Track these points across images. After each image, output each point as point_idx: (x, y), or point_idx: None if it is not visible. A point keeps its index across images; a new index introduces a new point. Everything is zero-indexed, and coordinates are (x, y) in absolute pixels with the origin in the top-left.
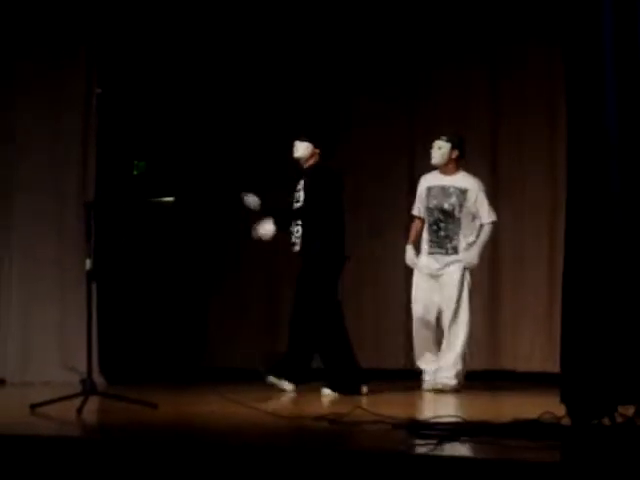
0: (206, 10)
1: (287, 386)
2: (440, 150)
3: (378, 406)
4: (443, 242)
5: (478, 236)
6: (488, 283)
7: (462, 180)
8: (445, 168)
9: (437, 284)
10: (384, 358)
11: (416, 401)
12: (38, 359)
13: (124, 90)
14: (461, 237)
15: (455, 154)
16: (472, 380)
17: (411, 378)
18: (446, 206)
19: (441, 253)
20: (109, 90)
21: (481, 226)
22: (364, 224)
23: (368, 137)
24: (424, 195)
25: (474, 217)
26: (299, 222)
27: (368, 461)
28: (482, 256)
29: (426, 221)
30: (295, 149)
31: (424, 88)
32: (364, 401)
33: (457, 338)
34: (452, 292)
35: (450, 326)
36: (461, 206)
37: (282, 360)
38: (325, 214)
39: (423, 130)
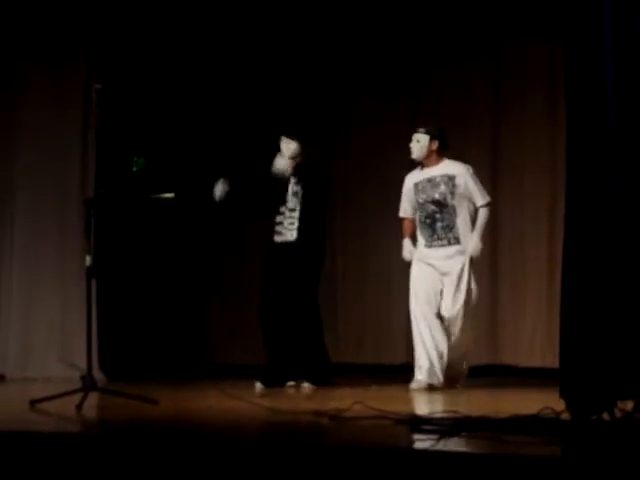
0: (206, 7)
1: (258, 385)
2: (419, 143)
3: (379, 402)
4: (443, 233)
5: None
6: (488, 279)
7: (447, 167)
8: (427, 161)
9: (439, 276)
10: (384, 354)
11: (416, 396)
12: (38, 355)
13: (124, 86)
14: (460, 225)
15: (435, 145)
16: (473, 375)
17: (411, 374)
18: (437, 196)
19: (443, 245)
20: (109, 86)
21: (476, 211)
22: (365, 222)
23: (369, 136)
24: (412, 193)
25: (469, 201)
26: (292, 215)
27: (369, 457)
28: (482, 253)
29: (418, 219)
30: (286, 149)
31: (425, 87)
32: (364, 396)
33: (465, 333)
34: (459, 285)
35: (457, 320)
36: (452, 193)
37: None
38: (322, 216)
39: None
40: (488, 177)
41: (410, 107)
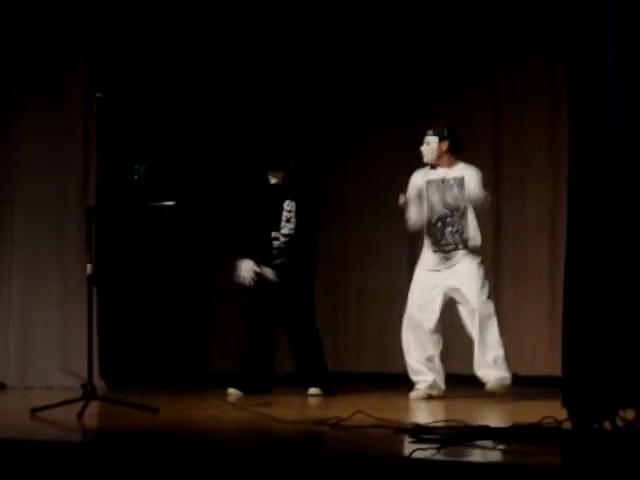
0: (208, 15)
1: (233, 392)
2: (429, 146)
3: (380, 410)
4: (451, 238)
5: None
6: (490, 286)
7: (460, 170)
8: (440, 162)
9: (444, 281)
10: (386, 362)
11: (418, 405)
12: (39, 363)
13: (125, 94)
14: (469, 228)
15: (445, 146)
16: (474, 384)
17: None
18: (450, 200)
19: (450, 250)
20: (110, 94)
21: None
22: (365, 232)
23: (368, 147)
24: (423, 191)
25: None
26: (286, 241)
27: (369, 466)
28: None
29: (427, 220)
30: (275, 177)
31: (425, 95)
32: (366, 405)
33: (492, 333)
34: (472, 286)
35: (489, 311)
36: (463, 197)
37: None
38: (315, 234)
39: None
40: (490, 184)
41: (410, 115)
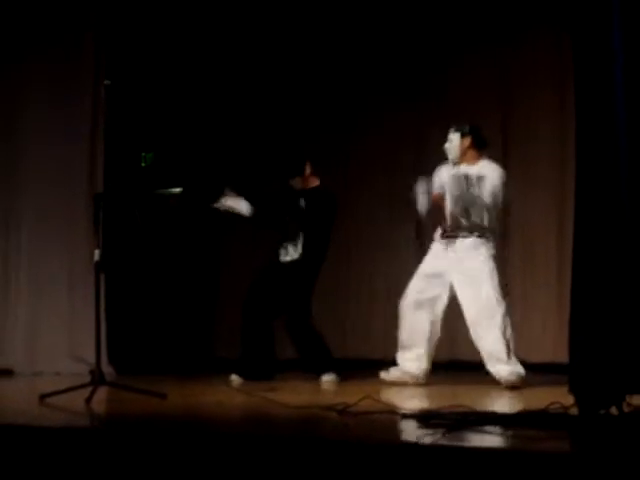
0: (215, 4)
1: (235, 378)
2: (452, 143)
3: (387, 396)
4: (472, 227)
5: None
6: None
7: (483, 168)
8: (464, 158)
9: (453, 268)
10: (393, 349)
11: (425, 391)
12: (47, 350)
13: (132, 81)
14: (487, 221)
15: (467, 142)
16: (481, 370)
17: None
18: (470, 196)
19: (465, 237)
20: (117, 81)
21: (504, 209)
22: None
23: (376, 132)
24: (448, 184)
25: (497, 198)
26: (296, 240)
27: (377, 451)
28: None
29: (448, 208)
30: (294, 183)
31: (432, 80)
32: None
33: (499, 322)
34: (481, 274)
35: (486, 312)
36: (483, 194)
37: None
38: (325, 235)
39: (431, 126)
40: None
41: (415, 104)
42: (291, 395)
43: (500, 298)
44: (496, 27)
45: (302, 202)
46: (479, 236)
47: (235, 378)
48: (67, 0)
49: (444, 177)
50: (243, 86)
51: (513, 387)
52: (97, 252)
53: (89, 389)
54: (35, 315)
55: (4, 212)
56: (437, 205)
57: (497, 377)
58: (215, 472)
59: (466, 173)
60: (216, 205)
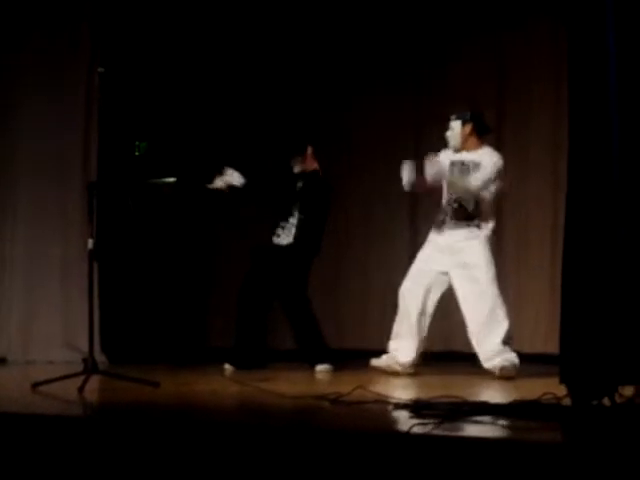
0: None
1: (227, 367)
2: (453, 131)
3: (380, 386)
4: (467, 215)
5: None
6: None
7: (481, 155)
8: (465, 145)
9: (450, 259)
10: (386, 339)
11: (418, 381)
12: (40, 338)
13: (126, 70)
14: (482, 209)
15: (468, 129)
16: (474, 361)
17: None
18: (460, 183)
19: (461, 227)
20: (111, 70)
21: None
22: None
23: (374, 123)
24: (447, 170)
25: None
26: (292, 223)
27: (369, 441)
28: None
29: (444, 197)
30: (294, 163)
31: (430, 67)
32: (366, 381)
33: (498, 317)
34: (478, 265)
35: (485, 308)
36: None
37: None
38: (320, 220)
39: (429, 116)
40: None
41: (414, 92)
42: (284, 385)
43: (497, 291)
44: (493, 17)
45: (299, 184)
46: (474, 225)
47: (228, 367)
48: None
49: (444, 163)
50: (239, 75)
51: (508, 377)
52: (91, 241)
53: (82, 378)
54: (28, 304)
55: None
56: (432, 191)
57: (492, 368)
58: (208, 461)
59: (463, 160)
60: (211, 186)
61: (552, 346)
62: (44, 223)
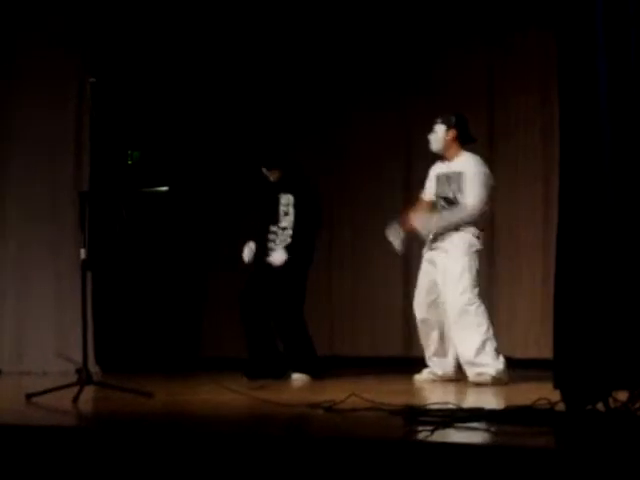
0: (200, 2)
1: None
2: (435, 134)
3: (374, 393)
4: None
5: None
6: (484, 270)
7: (463, 162)
8: (447, 153)
9: (436, 270)
10: (381, 345)
11: (412, 388)
12: (33, 349)
13: (118, 79)
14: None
15: (452, 135)
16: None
17: (408, 366)
18: (449, 194)
19: (442, 240)
20: (103, 80)
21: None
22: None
23: (364, 134)
24: (434, 184)
25: None
26: (284, 234)
27: (364, 448)
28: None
29: (437, 209)
30: (272, 175)
31: (418, 74)
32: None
33: (470, 325)
34: (452, 276)
35: (454, 315)
36: (461, 190)
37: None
38: (313, 228)
39: (419, 127)
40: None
41: (402, 99)
42: (278, 393)
43: (472, 297)
44: (482, 25)
45: (283, 191)
46: (457, 230)
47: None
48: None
49: (432, 177)
50: (231, 83)
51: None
52: (83, 251)
53: (76, 388)
54: (22, 314)
55: None
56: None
57: (467, 374)
58: (203, 470)
59: (447, 173)
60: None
61: (544, 351)
62: (36, 233)
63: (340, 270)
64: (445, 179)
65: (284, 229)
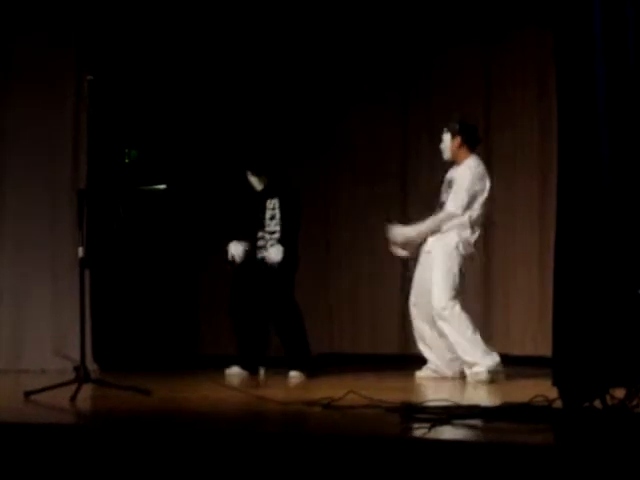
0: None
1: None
2: (444, 144)
3: (372, 391)
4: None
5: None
6: (480, 267)
7: (460, 168)
8: (458, 159)
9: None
10: (378, 343)
11: (410, 385)
12: (31, 347)
13: (115, 78)
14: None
15: (458, 141)
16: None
17: (405, 363)
18: (444, 199)
19: (429, 242)
20: (100, 78)
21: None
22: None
23: (361, 132)
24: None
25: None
26: (272, 237)
27: (361, 445)
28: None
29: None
30: (255, 182)
31: (416, 72)
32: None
33: (446, 328)
34: (434, 280)
35: (435, 318)
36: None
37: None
38: (298, 229)
39: (416, 127)
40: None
41: (400, 97)
42: (276, 390)
43: (445, 304)
44: (479, 21)
45: (269, 196)
46: (442, 232)
47: (236, 369)
48: None
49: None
50: (226, 80)
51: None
52: (81, 249)
53: (74, 386)
54: (20, 313)
55: None
56: None
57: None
58: (201, 467)
59: (448, 178)
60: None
61: (541, 349)
62: (34, 231)
63: (338, 269)
64: (446, 184)
65: (272, 233)
